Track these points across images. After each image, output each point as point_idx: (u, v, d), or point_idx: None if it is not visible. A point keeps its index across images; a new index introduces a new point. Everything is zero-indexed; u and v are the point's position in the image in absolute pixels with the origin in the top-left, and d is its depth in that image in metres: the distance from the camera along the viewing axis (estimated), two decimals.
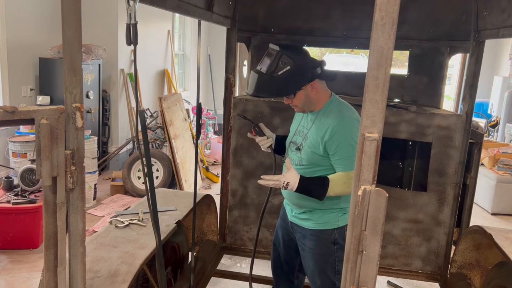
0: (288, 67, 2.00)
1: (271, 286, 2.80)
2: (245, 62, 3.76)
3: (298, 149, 2.21)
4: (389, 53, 0.96)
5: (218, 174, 6.20)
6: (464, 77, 3.07)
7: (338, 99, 2.21)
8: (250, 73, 2.12)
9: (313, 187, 2.07)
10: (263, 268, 3.70)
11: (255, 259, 2.68)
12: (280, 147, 2.43)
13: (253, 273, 2.73)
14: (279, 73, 2.01)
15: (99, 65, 6.05)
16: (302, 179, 2.06)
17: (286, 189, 2.07)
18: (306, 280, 2.47)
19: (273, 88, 2.08)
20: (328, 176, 2.06)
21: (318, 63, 2.09)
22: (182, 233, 2.82)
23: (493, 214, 5.66)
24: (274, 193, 2.95)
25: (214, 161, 7.26)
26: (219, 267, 3.36)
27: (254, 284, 2.80)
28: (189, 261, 2.95)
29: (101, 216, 4.79)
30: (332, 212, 2.17)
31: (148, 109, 6.86)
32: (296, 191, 2.06)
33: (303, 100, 2.12)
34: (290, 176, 2.07)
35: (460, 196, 3.15)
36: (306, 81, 2.07)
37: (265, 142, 2.41)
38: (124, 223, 2.44)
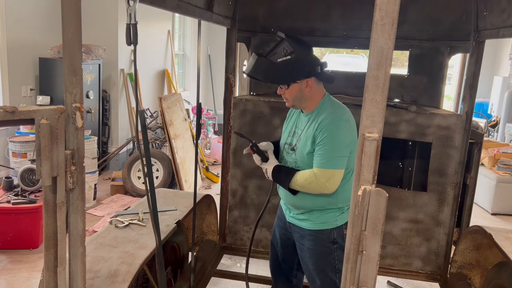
0: (289, 57, 2.01)
1: (271, 286, 2.80)
2: (245, 62, 3.76)
3: (293, 149, 2.22)
4: (389, 53, 0.96)
5: (218, 174, 6.20)
6: (464, 77, 3.07)
7: (332, 98, 2.21)
8: (252, 55, 2.15)
9: (279, 174, 2.20)
10: (263, 268, 3.70)
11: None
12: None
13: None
14: (278, 60, 2.02)
15: (99, 65, 6.05)
16: (275, 167, 2.20)
17: (268, 177, 2.22)
18: (305, 279, 2.47)
19: (269, 73, 2.10)
20: (299, 171, 2.15)
21: (319, 62, 2.10)
22: (182, 233, 2.82)
23: (493, 214, 5.66)
24: (274, 193, 2.95)
25: (214, 161, 7.26)
26: (219, 267, 3.36)
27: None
28: (189, 261, 2.95)
29: (101, 216, 4.79)
30: (330, 212, 2.17)
31: (148, 109, 6.86)
32: (272, 178, 2.22)
33: (295, 94, 2.12)
34: (269, 165, 2.24)
35: (460, 196, 3.15)
36: (303, 75, 2.07)
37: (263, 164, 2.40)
38: (124, 223, 2.44)
